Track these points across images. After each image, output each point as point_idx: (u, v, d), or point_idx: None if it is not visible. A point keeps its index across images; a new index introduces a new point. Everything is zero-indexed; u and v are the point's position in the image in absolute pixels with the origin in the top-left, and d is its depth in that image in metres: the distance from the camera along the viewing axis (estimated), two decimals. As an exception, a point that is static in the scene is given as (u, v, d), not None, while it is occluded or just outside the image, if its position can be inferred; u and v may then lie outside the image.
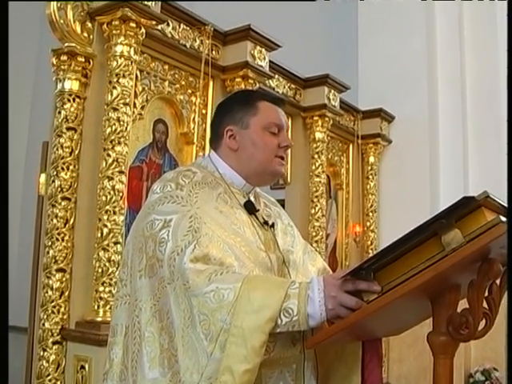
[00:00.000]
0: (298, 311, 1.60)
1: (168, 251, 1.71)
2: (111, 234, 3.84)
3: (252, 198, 2.04)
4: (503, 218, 1.44)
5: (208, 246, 1.72)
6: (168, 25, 4.51)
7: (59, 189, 3.87)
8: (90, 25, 4.07)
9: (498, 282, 1.61)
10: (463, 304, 1.59)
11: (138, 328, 1.76)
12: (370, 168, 7.44)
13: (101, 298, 3.81)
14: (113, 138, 3.91)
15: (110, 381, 1.85)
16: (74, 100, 3.97)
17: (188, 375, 1.62)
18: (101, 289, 3.81)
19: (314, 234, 6.16)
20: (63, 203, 3.87)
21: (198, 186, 1.88)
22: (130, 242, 1.91)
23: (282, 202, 5.92)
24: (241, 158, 1.98)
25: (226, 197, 1.92)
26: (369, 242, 7.33)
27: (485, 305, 1.58)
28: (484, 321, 1.60)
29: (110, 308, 3.79)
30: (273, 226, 2.03)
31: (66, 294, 3.86)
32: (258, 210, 2.00)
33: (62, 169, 3.89)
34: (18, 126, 10.45)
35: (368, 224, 7.37)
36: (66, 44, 3.94)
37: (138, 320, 1.76)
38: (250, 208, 1.97)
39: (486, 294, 1.58)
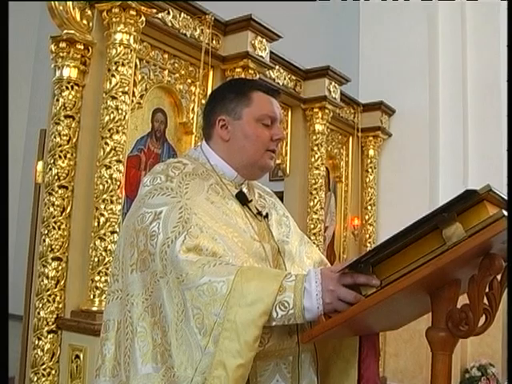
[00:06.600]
0: (294, 304, 1.57)
1: (159, 244, 1.68)
2: (108, 223, 3.82)
3: (245, 189, 2.00)
4: (506, 213, 1.41)
5: (199, 236, 1.68)
6: (168, 13, 4.47)
7: (56, 177, 3.84)
8: (89, 12, 4.03)
9: (498, 277, 1.58)
10: (462, 300, 1.57)
11: (129, 323, 1.73)
12: (369, 161, 7.44)
13: (97, 288, 3.79)
14: (111, 126, 3.88)
15: (103, 376, 1.82)
16: (72, 88, 3.94)
17: (182, 370, 1.59)
18: (97, 278, 3.80)
19: (312, 226, 6.15)
20: (60, 191, 3.85)
21: (189, 177, 1.84)
22: (121, 237, 1.88)
23: (280, 194, 5.91)
24: (232, 150, 1.94)
25: (217, 188, 1.88)
26: (367, 236, 7.33)
27: (485, 300, 1.56)
28: (484, 317, 1.58)
29: (106, 298, 3.76)
30: (267, 216, 1.99)
31: (62, 282, 3.84)
32: (251, 201, 1.97)
33: (60, 157, 3.86)
34: (17, 114, 10.43)
35: (367, 217, 7.37)
36: (65, 31, 3.90)
37: (129, 315, 1.74)
38: (242, 199, 1.93)
39: (487, 289, 1.55)
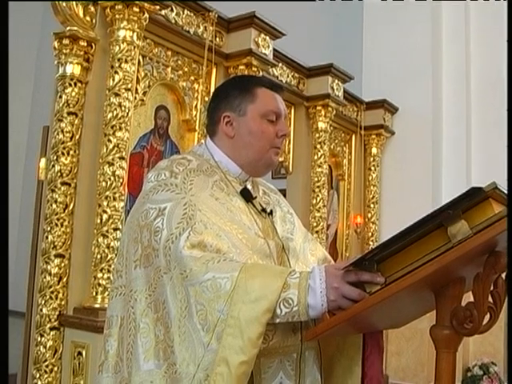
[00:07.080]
0: (299, 301, 1.57)
1: (163, 240, 1.68)
2: (111, 220, 3.81)
3: (249, 186, 2.00)
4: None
5: (203, 232, 1.68)
6: (172, 10, 4.46)
7: (59, 174, 3.84)
8: (92, 8, 4.02)
9: (503, 275, 1.58)
10: (466, 297, 1.56)
11: (132, 319, 1.73)
12: (372, 159, 7.43)
13: (99, 285, 3.79)
14: (114, 123, 3.87)
15: (105, 373, 1.81)
16: (75, 84, 3.93)
17: (184, 366, 1.58)
18: (99, 275, 3.79)
19: (314, 224, 6.15)
20: (63, 188, 3.84)
21: (193, 174, 1.84)
22: (125, 233, 1.88)
23: (283, 192, 5.89)
24: (237, 146, 1.94)
25: (222, 184, 1.88)
26: (369, 234, 7.33)
27: (489, 299, 1.55)
28: (488, 315, 1.57)
29: (109, 295, 3.77)
30: (271, 213, 1.99)
31: (65, 279, 3.83)
32: (255, 198, 1.97)
33: (63, 154, 3.85)
34: (20, 111, 10.43)
35: (369, 215, 7.37)
36: (68, 28, 3.89)
37: (132, 311, 1.73)
38: (247, 195, 1.93)
39: (491, 287, 1.54)
